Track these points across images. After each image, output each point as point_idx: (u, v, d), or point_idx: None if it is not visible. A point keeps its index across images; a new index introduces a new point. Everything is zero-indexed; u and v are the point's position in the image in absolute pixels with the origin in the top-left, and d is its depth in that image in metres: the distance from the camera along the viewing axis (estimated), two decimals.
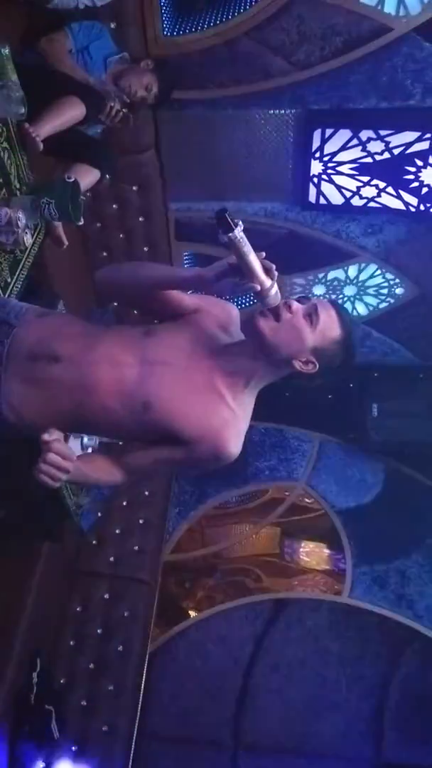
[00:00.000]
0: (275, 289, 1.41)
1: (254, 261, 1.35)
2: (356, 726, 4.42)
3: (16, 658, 3.42)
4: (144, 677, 4.27)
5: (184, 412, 1.49)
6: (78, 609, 4.25)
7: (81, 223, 2.42)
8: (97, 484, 1.72)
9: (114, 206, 4.05)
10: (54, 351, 1.51)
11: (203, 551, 5.40)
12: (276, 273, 1.39)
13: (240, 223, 1.30)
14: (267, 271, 1.38)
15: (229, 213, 1.28)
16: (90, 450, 3.28)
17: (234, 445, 1.51)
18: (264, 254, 1.37)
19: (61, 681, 4.02)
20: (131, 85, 3.05)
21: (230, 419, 1.51)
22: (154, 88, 3.10)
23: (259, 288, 1.38)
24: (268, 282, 1.38)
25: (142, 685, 4.24)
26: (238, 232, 1.30)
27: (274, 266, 1.39)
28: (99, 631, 4.24)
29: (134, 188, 4.02)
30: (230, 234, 1.29)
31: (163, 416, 1.49)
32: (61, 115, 2.59)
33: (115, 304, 3.18)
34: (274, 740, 4.39)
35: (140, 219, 4.15)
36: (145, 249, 4.25)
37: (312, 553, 5.80)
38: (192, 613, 4.99)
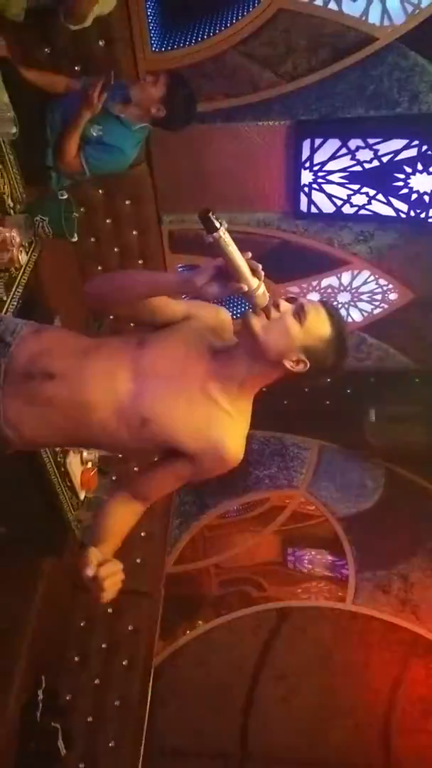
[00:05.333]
0: (263, 288, 1.40)
1: (240, 261, 1.34)
2: (364, 734, 4.40)
3: (20, 676, 3.40)
4: (150, 691, 4.25)
5: (183, 424, 1.49)
6: (81, 624, 4.23)
7: (75, 239, 2.44)
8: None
9: (108, 221, 4.08)
10: (48, 368, 1.51)
11: (206, 562, 5.38)
12: (262, 273, 1.39)
13: (224, 222, 1.29)
14: (253, 272, 1.37)
15: (213, 213, 1.26)
16: (89, 465, 3.29)
17: (236, 450, 1.51)
18: (250, 254, 1.37)
19: (67, 697, 3.99)
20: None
21: (229, 425, 1.51)
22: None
23: (246, 288, 1.38)
24: (255, 282, 1.37)
25: (149, 699, 4.22)
26: (223, 232, 1.29)
27: (260, 266, 1.38)
28: (103, 645, 4.22)
29: (127, 202, 4.05)
30: (214, 234, 1.28)
31: (162, 430, 1.49)
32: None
33: (111, 317, 3.19)
34: (282, 750, 4.37)
35: (134, 233, 4.17)
36: (140, 262, 4.27)
37: (314, 561, 5.78)
38: (197, 625, 4.97)
